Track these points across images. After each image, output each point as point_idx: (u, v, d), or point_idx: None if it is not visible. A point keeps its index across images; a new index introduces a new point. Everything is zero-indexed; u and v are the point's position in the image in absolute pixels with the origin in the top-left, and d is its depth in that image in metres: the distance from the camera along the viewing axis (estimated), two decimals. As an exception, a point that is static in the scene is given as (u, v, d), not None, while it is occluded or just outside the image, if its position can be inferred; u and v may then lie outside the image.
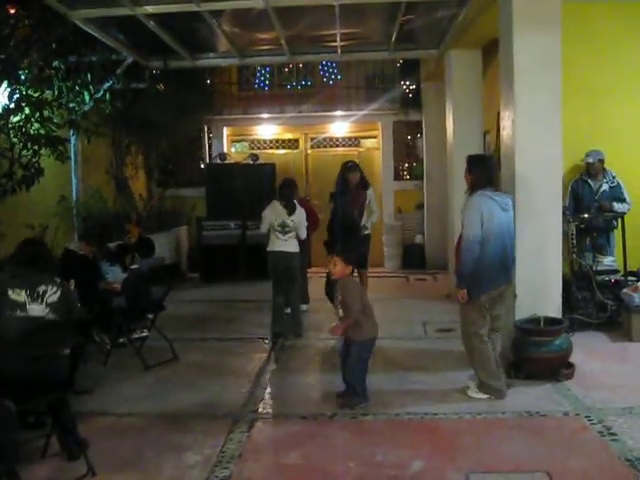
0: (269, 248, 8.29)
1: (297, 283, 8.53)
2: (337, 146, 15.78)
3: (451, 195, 10.88)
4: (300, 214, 8.37)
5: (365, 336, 5.85)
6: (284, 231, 8.13)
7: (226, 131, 15.69)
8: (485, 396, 6.16)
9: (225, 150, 15.23)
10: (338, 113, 15.13)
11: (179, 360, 7.70)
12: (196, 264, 13.92)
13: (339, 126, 15.53)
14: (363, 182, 9.39)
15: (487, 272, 5.71)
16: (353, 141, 15.85)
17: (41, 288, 5.06)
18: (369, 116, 15.02)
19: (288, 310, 8.65)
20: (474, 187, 5.75)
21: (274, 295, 8.48)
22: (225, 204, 13.50)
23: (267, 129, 15.64)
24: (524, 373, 6.65)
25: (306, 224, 8.41)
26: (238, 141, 15.91)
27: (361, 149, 15.70)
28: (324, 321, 9.05)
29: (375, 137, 15.75)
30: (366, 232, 9.39)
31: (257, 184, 13.31)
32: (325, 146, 15.77)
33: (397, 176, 15.52)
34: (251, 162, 13.84)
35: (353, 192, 9.28)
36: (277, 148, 15.78)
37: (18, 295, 5.01)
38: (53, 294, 5.08)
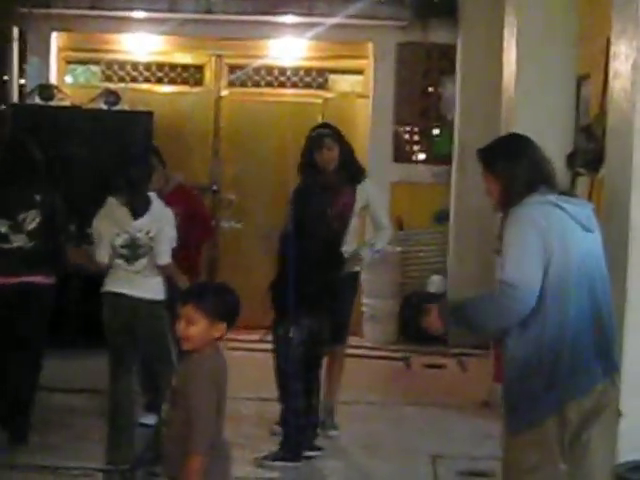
0: (104, 287, 6.39)
1: (168, 362, 6.43)
2: (282, 86, 12.23)
3: None
4: (161, 214, 6.44)
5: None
6: (134, 255, 6.33)
7: (56, 41, 11.93)
8: None
9: (53, 80, 11.78)
10: (287, 19, 11.64)
11: None
12: None
13: (288, 45, 12.10)
14: (351, 168, 7.33)
15: (561, 360, 4.16)
16: (315, 78, 12.38)
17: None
18: (350, 29, 11.47)
19: (146, 419, 6.77)
20: (515, 195, 4.32)
21: (112, 382, 6.52)
22: None
23: (141, 42, 12.10)
24: None
25: (174, 235, 6.42)
26: (81, 63, 12.86)
27: (330, 95, 12.19)
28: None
29: (360, 72, 12.40)
30: (354, 269, 7.40)
31: (115, 151, 9.67)
32: (257, 84, 12.24)
33: (400, 154, 11.73)
34: (105, 107, 10.65)
35: (329, 186, 7.24)
36: (160, 82, 12.41)
37: None
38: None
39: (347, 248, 7.41)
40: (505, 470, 4.43)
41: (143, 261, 6.50)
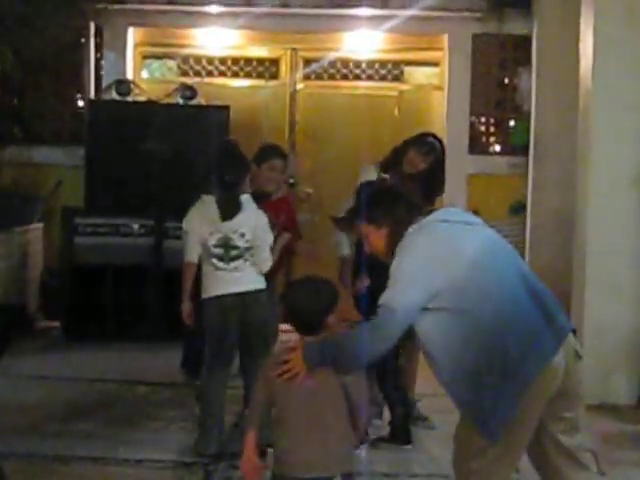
0: (207, 294, 6.39)
1: (264, 355, 6.30)
2: (357, 79, 12.10)
3: (585, 189, 8.53)
4: (255, 218, 6.50)
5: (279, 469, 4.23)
6: (228, 256, 6.40)
7: (133, 36, 11.92)
8: None
9: (129, 75, 11.71)
10: (362, 12, 11.49)
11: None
12: (58, 302, 10.68)
13: (363, 38, 11.94)
14: (430, 184, 7.13)
15: (508, 353, 4.11)
16: (390, 70, 12.25)
17: None
18: (425, 22, 11.44)
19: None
20: (402, 234, 4.40)
21: (207, 377, 6.53)
22: (123, 184, 10.45)
23: (217, 37, 12.02)
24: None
25: (271, 239, 6.55)
26: (157, 58, 12.65)
27: (405, 87, 12.09)
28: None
29: (436, 64, 12.22)
30: None
31: (192, 146, 10.25)
32: (332, 77, 12.12)
33: (476, 146, 11.76)
34: (181, 101, 10.68)
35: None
36: (235, 76, 12.35)
37: None
38: None
39: None
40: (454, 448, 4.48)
41: (238, 263, 6.50)
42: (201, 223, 6.50)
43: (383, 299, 4.15)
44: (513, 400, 4.05)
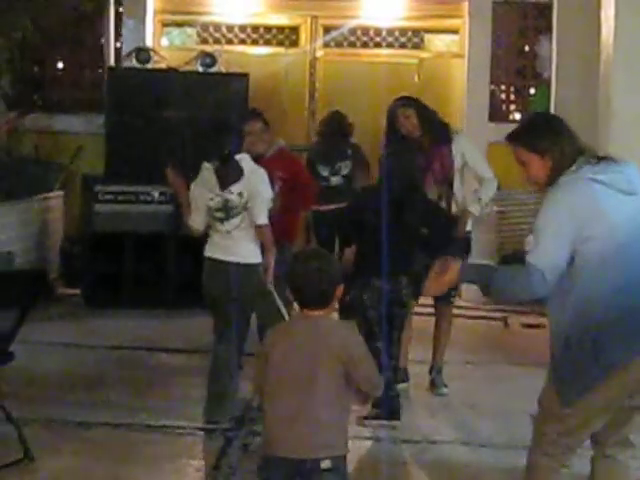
0: (205, 252, 6.73)
1: (278, 319, 6.35)
2: (377, 46, 12.29)
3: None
4: (255, 178, 6.59)
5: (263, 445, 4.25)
6: (227, 216, 6.58)
7: (152, 4, 12.10)
8: None
9: (149, 43, 11.91)
10: None
11: (34, 463, 6.02)
12: (78, 270, 10.85)
13: (383, 5, 12.09)
14: (434, 129, 7.41)
15: (605, 331, 4.19)
16: (410, 38, 12.47)
17: None
18: None
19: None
20: (563, 170, 4.31)
21: (216, 342, 6.78)
22: (143, 151, 10.56)
23: (236, 4, 12.21)
24: None
25: (269, 196, 6.66)
26: (176, 25, 12.88)
27: (426, 55, 12.34)
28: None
29: (456, 32, 12.37)
30: (466, 232, 7.56)
31: (212, 114, 10.03)
32: (352, 45, 12.34)
33: (496, 114, 11.83)
34: (201, 69, 10.76)
35: (416, 149, 7.38)
36: (255, 44, 12.60)
37: None
38: None
39: (457, 207, 7.55)
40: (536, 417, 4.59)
41: (235, 221, 6.56)
42: (202, 190, 6.62)
43: (530, 258, 4.21)
44: (594, 379, 4.13)
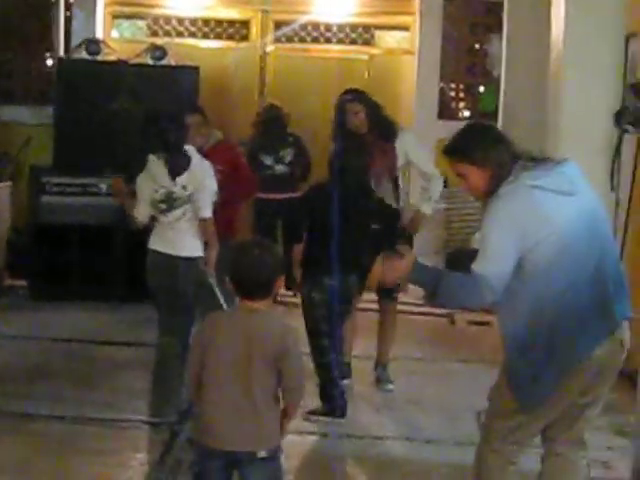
0: (148, 244, 6.72)
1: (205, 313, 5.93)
2: (328, 42, 12.37)
3: (554, 156, 6.37)
4: (201, 170, 6.55)
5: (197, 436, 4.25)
6: (170, 207, 6.54)
7: None
8: None
9: (99, 34, 11.85)
10: None
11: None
12: (25, 261, 10.82)
13: (334, 2, 12.17)
14: (381, 126, 7.34)
15: (557, 334, 4.21)
16: (361, 34, 12.54)
17: None
18: None
19: None
20: (502, 180, 4.31)
21: (160, 334, 6.75)
22: (92, 144, 10.40)
23: None
24: None
25: (214, 189, 6.59)
26: (127, 17, 12.88)
27: (376, 51, 12.42)
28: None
29: (407, 29, 12.38)
30: (417, 232, 7.76)
31: (161, 107, 9.14)
32: (303, 40, 12.40)
33: (446, 111, 12.00)
34: (151, 62, 10.74)
35: (363, 149, 7.23)
36: (206, 38, 12.58)
37: None
38: None
39: (402, 204, 7.50)
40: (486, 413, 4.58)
41: (177, 212, 6.57)
42: (148, 183, 6.63)
43: (476, 267, 4.24)
44: (550, 383, 4.17)
